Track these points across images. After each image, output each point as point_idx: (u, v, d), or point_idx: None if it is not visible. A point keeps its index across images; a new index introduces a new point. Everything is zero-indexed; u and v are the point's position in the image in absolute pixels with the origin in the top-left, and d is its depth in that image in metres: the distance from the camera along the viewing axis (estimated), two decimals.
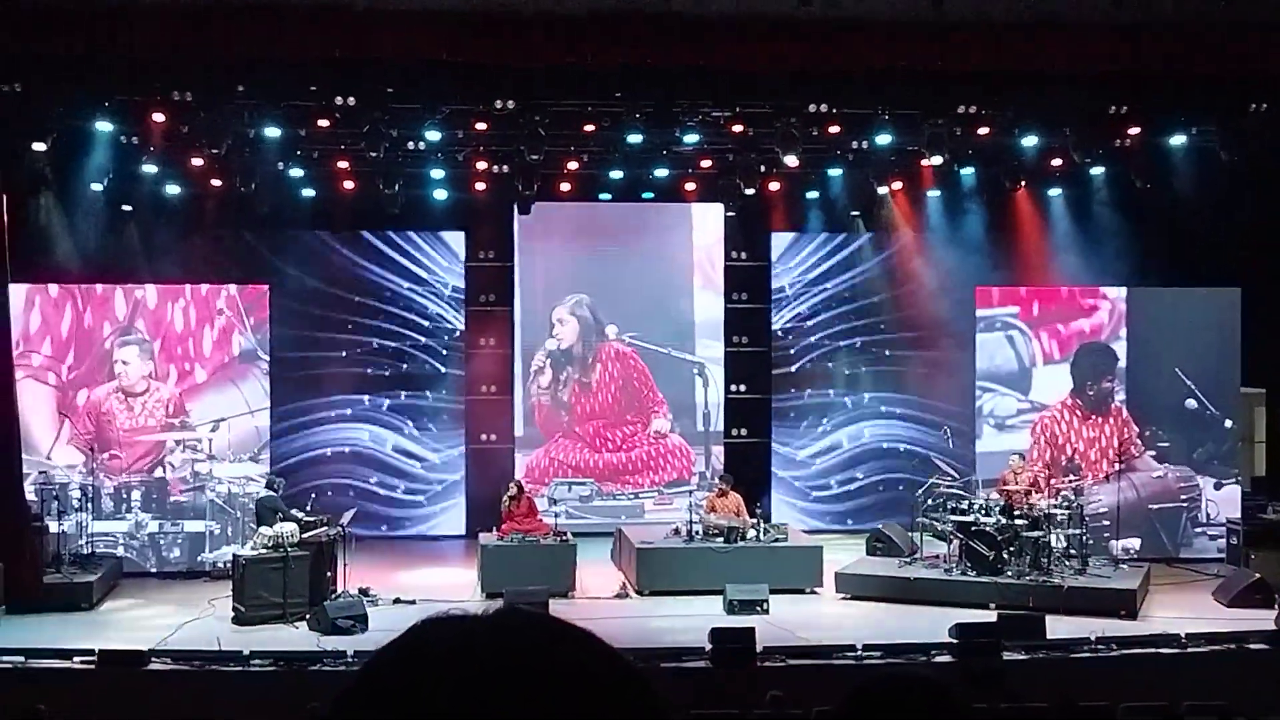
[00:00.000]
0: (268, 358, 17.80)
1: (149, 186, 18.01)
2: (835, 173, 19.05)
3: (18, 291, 16.86)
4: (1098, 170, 18.13)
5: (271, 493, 15.60)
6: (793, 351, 20.53)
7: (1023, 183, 18.41)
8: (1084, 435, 18.28)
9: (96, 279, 17.63)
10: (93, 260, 17.84)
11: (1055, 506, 15.74)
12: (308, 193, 18.64)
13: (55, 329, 17.32)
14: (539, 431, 20.11)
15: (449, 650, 1.16)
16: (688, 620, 14.03)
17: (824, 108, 15.80)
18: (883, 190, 19.37)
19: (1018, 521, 15.33)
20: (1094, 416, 18.31)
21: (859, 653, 12.62)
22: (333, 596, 14.71)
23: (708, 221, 20.34)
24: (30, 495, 15.70)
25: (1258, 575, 15.11)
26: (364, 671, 1.18)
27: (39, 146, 15.74)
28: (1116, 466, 17.88)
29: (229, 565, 15.28)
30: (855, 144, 17.55)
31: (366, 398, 19.71)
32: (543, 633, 1.19)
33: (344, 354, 19.56)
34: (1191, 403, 18.00)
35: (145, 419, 17.33)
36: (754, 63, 14.29)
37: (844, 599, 15.59)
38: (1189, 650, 12.89)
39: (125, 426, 17.25)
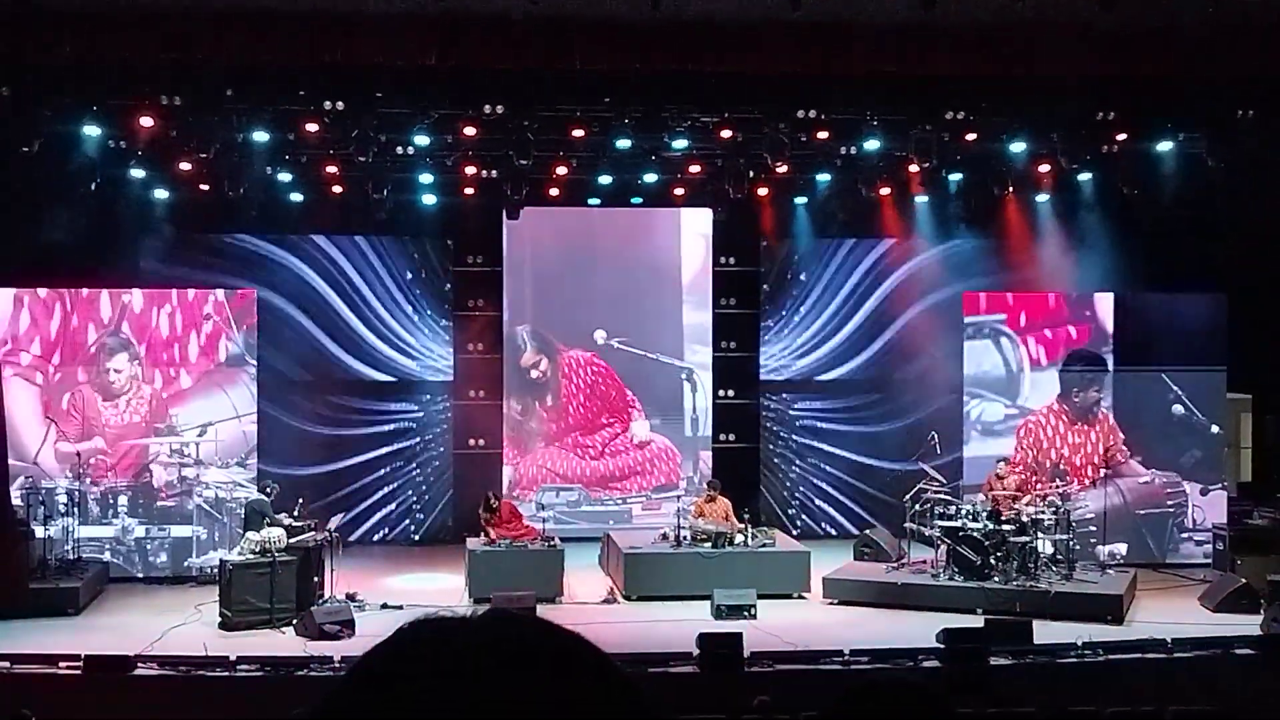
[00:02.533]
0: (255, 362, 17.77)
1: (137, 191, 17.96)
2: (823, 178, 19.07)
3: (4, 295, 16.88)
4: (1085, 176, 18.16)
5: (263, 497, 15.56)
6: (780, 357, 20.54)
7: (1010, 189, 18.45)
8: (1069, 441, 18.32)
9: (85, 283, 17.59)
10: (81, 264, 17.78)
11: (1042, 512, 15.77)
12: (296, 197, 18.61)
13: (44, 329, 17.29)
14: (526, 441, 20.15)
15: (437, 652, 1.16)
16: (675, 625, 14.02)
17: (812, 113, 15.82)
18: (871, 196, 19.37)
19: (1005, 527, 15.36)
20: (1079, 424, 18.34)
21: (846, 658, 12.63)
22: (320, 602, 14.68)
23: (696, 227, 20.34)
24: (16, 500, 15.65)
25: (1243, 580, 15.14)
26: (351, 673, 1.18)
27: (27, 150, 15.70)
28: (1102, 473, 17.93)
29: (215, 570, 15.24)
30: (843, 149, 17.57)
31: (354, 402, 19.67)
32: (531, 635, 1.19)
33: (331, 358, 19.53)
34: (1178, 408, 18.04)
35: (130, 416, 17.29)
36: (742, 68, 14.31)
37: (831, 604, 15.60)
38: (1175, 655, 12.92)
39: (110, 423, 17.22)
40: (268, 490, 15.74)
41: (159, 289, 17.77)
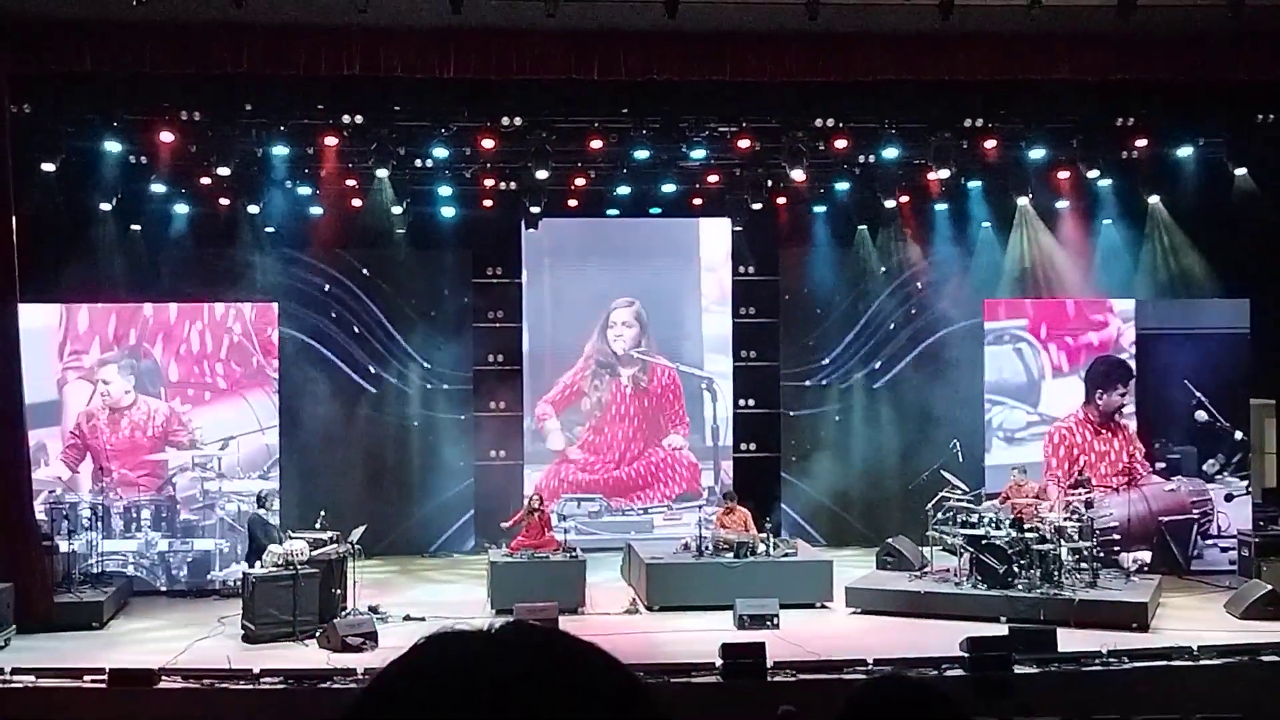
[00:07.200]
0: (277, 375, 17.81)
1: (157, 205, 18.05)
2: (842, 186, 19.06)
3: (45, 311, 16.86)
4: (1105, 182, 18.10)
5: (260, 511, 15.51)
6: (801, 366, 20.51)
7: (1029, 195, 18.40)
8: (1095, 449, 18.21)
9: (105, 298, 17.64)
10: (102, 279, 17.85)
11: (1066, 519, 15.70)
12: (315, 210, 18.67)
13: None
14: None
15: (457, 665, 1.15)
16: (698, 635, 13.99)
17: (830, 121, 15.82)
18: (890, 204, 19.34)
19: (1028, 535, 15.28)
20: (1104, 431, 18.22)
21: (870, 667, 12.57)
22: (342, 614, 14.68)
23: (715, 236, 20.36)
24: (40, 515, 15.71)
25: (1269, 587, 15.04)
26: (372, 685, 1.17)
27: (48, 167, 15.79)
28: (1124, 481, 17.85)
29: (238, 583, 15.26)
30: (862, 158, 17.56)
31: (374, 414, 19.69)
32: (550, 648, 1.19)
33: (352, 370, 19.56)
34: (1201, 414, 17.95)
35: (133, 432, 17.32)
36: (760, 77, 14.31)
37: (854, 613, 15.55)
38: (1201, 663, 12.82)
39: (112, 442, 17.25)
40: (264, 503, 15.65)
41: (178, 303, 17.82)
